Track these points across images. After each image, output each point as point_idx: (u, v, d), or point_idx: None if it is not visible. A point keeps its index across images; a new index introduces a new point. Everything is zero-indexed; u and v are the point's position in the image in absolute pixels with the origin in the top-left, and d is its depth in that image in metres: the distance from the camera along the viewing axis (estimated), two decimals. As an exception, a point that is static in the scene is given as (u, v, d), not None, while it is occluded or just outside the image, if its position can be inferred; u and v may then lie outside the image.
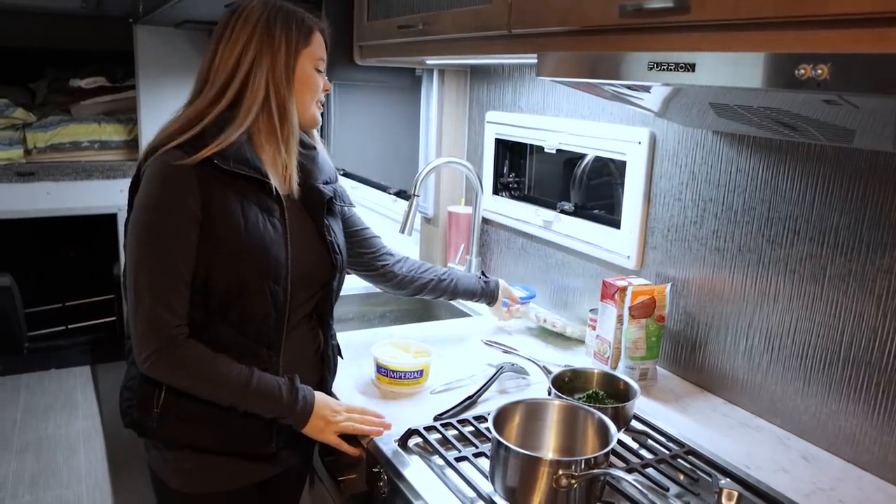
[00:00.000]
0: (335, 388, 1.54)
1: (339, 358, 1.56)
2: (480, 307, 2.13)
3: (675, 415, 1.50)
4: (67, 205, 4.01)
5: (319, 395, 1.38)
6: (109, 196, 3.99)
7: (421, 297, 1.80)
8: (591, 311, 1.77)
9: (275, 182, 1.34)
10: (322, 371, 1.48)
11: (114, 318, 4.72)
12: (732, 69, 0.96)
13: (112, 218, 4.11)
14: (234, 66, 1.33)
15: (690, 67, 1.01)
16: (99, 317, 4.79)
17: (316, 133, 1.50)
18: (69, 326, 4.76)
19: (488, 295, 1.88)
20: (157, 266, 1.26)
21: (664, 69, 1.05)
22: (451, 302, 2.21)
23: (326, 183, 1.47)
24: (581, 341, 1.84)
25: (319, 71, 1.40)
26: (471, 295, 1.86)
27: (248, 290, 1.30)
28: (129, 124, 4.25)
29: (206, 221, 1.28)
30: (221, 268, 1.29)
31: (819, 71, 0.84)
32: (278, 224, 1.34)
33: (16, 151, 3.96)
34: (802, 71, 0.85)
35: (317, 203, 1.43)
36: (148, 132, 3.77)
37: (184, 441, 1.35)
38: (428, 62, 2.19)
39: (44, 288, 4.84)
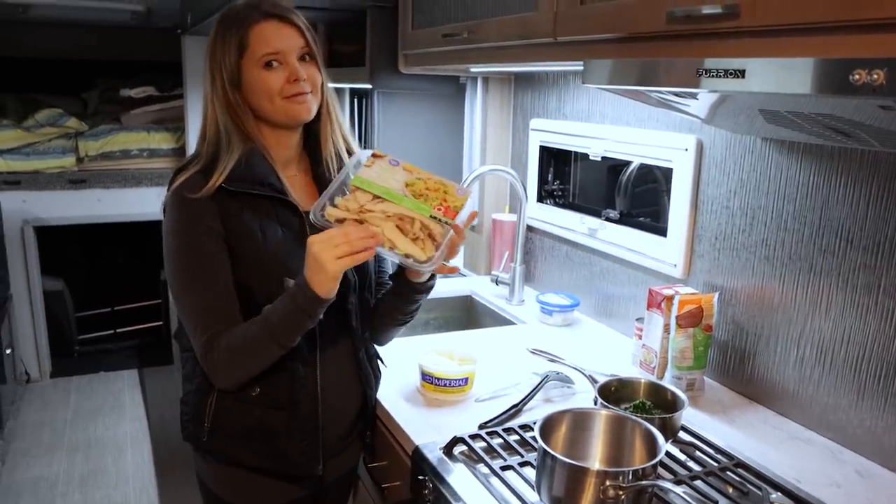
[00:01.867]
0: (380, 395, 1.56)
1: (379, 369, 1.57)
2: (524, 315, 2.13)
3: (723, 426, 1.47)
4: (117, 211, 4.12)
5: (299, 278, 1.27)
6: (157, 203, 4.08)
7: (384, 326, 1.54)
8: (637, 320, 1.76)
9: (295, 195, 1.36)
10: (361, 385, 1.49)
11: (160, 323, 4.82)
12: (783, 75, 0.95)
13: (160, 224, 4.19)
14: (204, 94, 1.37)
15: (740, 74, 1.00)
16: (146, 321, 4.90)
17: (354, 142, 1.51)
18: (117, 330, 4.88)
19: (399, 270, 1.51)
20: (199, 283, 1.30)
21: (713, 76, 1.04)
22: (496, 310, 2.22)
23: None
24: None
25: (270, 65, 1.33)
26: (394, 286, 1.50)
27: (272, 301, 1.31)
28: (176, 133, 4.33)
29: (228, 238, 1.31)
30: (248, 284, 1.32)
31: (875, 76, 0.82)
32: (298, 238, 1.34)
33: (68, 159, 4.07)
34: (857, 76, 0.84)
35: None
36: (195, 141, 3.84)
37: (233, 458, 1.39)
38: (472, 70, 2.20)
39: (93, 292, 4.97)
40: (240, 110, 1.34)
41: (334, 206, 1.25)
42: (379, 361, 1.57)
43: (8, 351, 3.71)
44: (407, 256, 1.24)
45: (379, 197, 1.26)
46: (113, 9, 4.15)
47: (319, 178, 1.44)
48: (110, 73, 4.93)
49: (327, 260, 1.19)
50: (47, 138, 4.01)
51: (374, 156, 1.31)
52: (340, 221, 1.23)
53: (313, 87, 1.37)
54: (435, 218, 1.27)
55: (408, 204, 1.26)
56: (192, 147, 4.21)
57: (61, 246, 4.59)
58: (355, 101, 3.28)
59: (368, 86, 2.29)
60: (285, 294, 1.27)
